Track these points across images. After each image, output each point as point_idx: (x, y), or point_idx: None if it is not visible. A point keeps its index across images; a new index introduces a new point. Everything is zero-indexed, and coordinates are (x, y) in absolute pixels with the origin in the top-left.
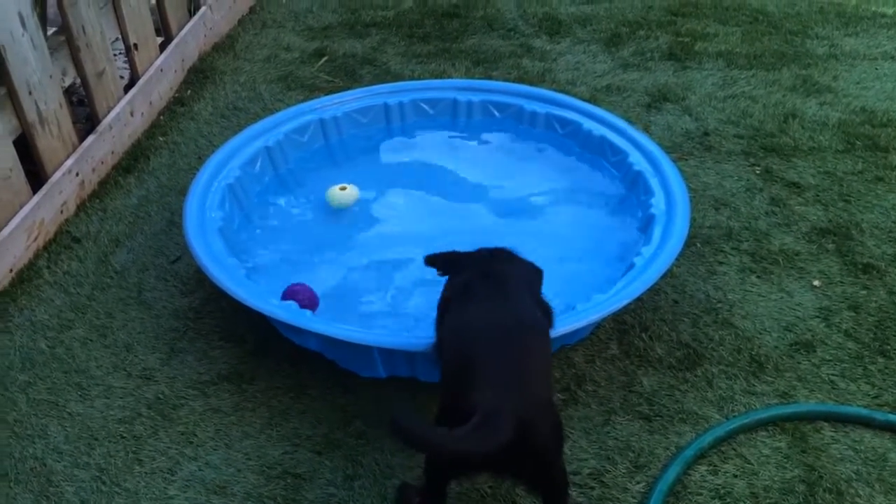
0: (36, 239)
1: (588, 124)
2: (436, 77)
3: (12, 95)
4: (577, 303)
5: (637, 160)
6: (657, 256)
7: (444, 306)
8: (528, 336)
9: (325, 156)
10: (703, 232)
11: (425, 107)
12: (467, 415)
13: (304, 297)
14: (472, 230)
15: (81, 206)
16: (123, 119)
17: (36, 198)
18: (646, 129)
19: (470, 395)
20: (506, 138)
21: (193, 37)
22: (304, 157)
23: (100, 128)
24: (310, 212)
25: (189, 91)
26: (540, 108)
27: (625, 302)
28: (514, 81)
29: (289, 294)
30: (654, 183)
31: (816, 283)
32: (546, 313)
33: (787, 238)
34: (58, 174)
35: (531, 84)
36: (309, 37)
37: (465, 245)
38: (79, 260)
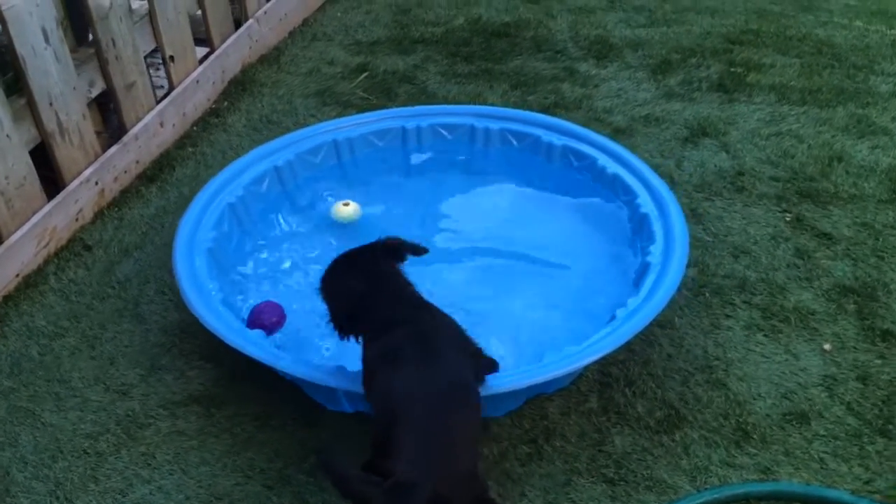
0: (46, 245)
1: (603, 160)
2: (472, 99)
3: (32, 106)
4: (547, 353)
5: (645, 202)
6: (638, 311)
7: (372, 366)
8: (456, 404)
9: (337, 176)
10: (714, 281)
11: (443, 132)
12: (389, 473)
13: (269, 316)
14: (465, 267)
15: (99, 214)
16: (152, 130)
17: (49, 206)
18: (677, 165)
19: (390, 460)
20: (520, 170)
21: (237, 49)
22: (315, 176)
23: (125, 138)
24: (311, 227)
25: (226, 103)
26: (557, 140)
27: (589, 360)
28: (550, 107)
29: (255, 314)
30: (657, 228)
31: (827, 346)
32: (477, 359)
33: (804, 294)
34: (75, 183)
35: (566, 111)
36: (355, 51)
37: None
38: (86, 268)
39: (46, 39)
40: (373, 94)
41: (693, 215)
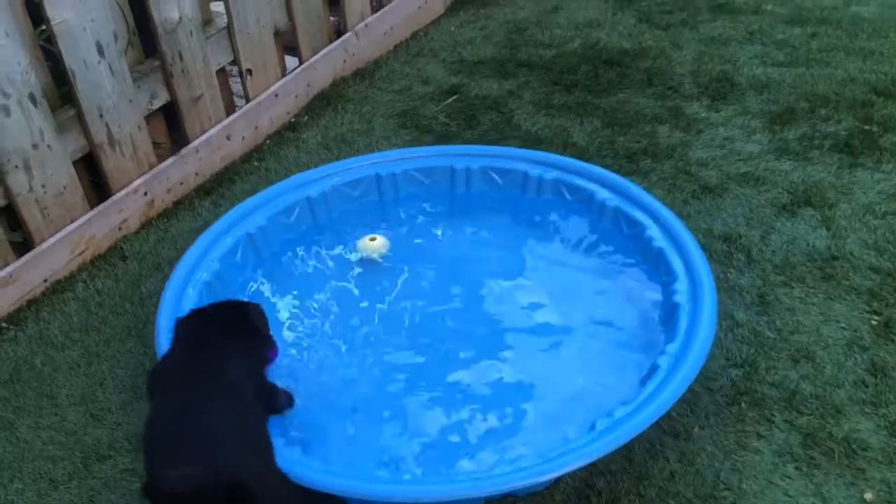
0: (82, 253)
1: (653, 230)
2: (556, 135)
3: (81, 118)
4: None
5: (682, 288)
6: (617, 427)
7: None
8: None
9: (376, 212)
10: (758, 388)
11: (495, 176)
12: None
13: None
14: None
15: (145, 225)
16: (216, 143)
17: (89, 214)
18: (762, 238)
19: None
20: (576, 226)
21: (328, 62)
22: (351, 210)
23: (184, 150)
24: (332, 264)
25: (306, 117)
26: (610, 200)
27: (534, 479)
28: (636, 152)
29: None
30: (682, 323)
31: (869, 496)
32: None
33: (863, 423)
34: (122, 193)
35: (653, 159)
36: (454, 70)
37: None
38: (115, 279)
39: (101, 53)
40: (455, 120)
41: (760, 302)
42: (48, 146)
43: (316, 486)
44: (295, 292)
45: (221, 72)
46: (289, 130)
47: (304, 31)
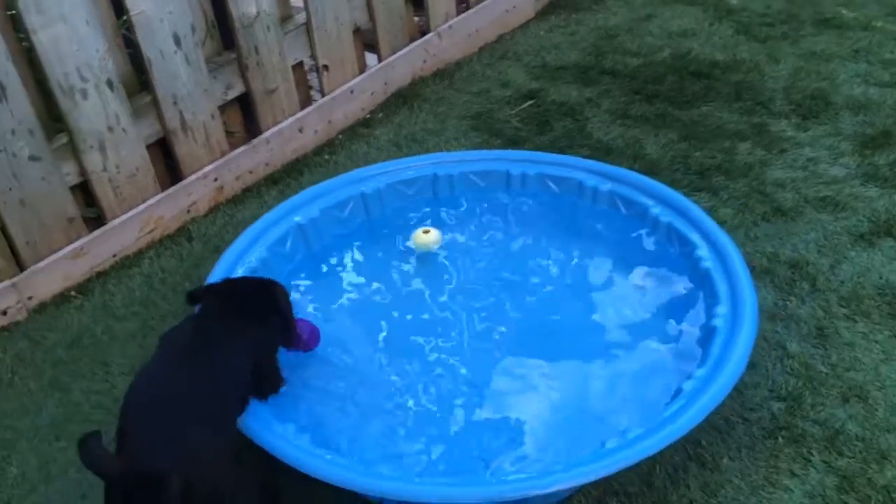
0: (151, 232)
1: (703, 251)
2: (628, 146)
3: (156, 104)
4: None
5: (723, 313)
6: (632, 444)
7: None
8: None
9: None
10: (800, 425)
11: (550, 183)
12: None
13: (302, 334)
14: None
15: (214, 209)
16: (288, 134)
17: (159, 196)
18: (831, 267)
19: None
20: (626, 239)
21: (408, 61)
22: (404, 207)
23: (255, 140)
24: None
25: (381, 114)
26: (663, 216)
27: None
28: (710, 168)
29: None
30: (715, 347)
31: None
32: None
33: None
34: (192, 177)
35: (727, 177)
36: (535, 75)
37: None
38: (179, 259)
39: (178, 44)
40: (527, 125)
41: (818, 335)
42: (123, 129)
43: (345, 484)
44: (342, 284)
45: (299, 66)
46: (362, 126)
47: (384, 30)
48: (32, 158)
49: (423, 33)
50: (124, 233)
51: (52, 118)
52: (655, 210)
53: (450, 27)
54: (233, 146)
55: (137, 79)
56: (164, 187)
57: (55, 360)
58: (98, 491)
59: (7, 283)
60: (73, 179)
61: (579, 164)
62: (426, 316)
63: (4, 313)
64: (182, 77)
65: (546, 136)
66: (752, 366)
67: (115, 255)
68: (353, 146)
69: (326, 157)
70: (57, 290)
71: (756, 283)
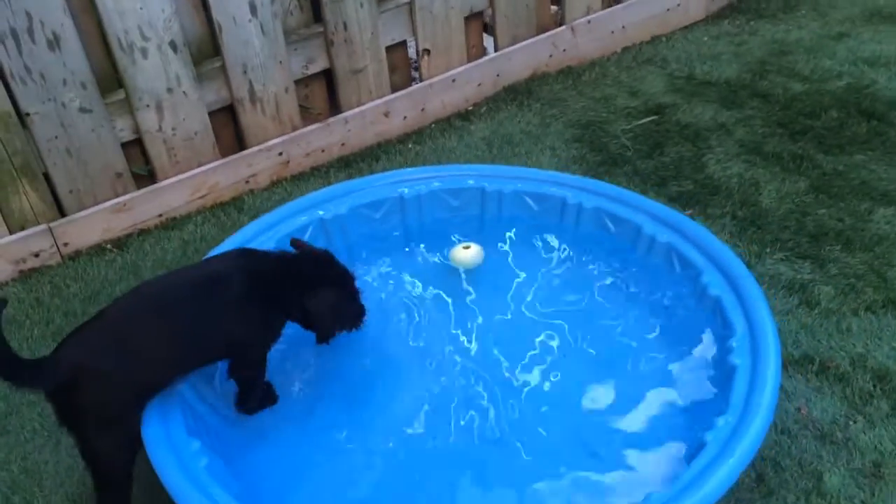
0: (203, 197)
1: (728, 300)
2: (741, 186)
3: (224, 71)
4: None
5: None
6: None
7: None
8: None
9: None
10: None
11: (608, 223)
12: None
13: None
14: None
15: (275, 183)
16: (371, 117)
17: (217, 162)
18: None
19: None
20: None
21: (530, 54)
22: (445, 219)
23: (331, 119)
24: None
25: (485, 108)
26: (713, 287)
27: None
28: (831, 233)
29: None
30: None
31: None
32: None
33: None
34: (255, 148)
35: (844, 247)
36: (675, 87)
37: None
38: (221, 229)
39: (253, 12)
40: (636, 145)
41: (873, 474)
42: (183, 92)
43: None
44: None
45: (400, 46)
46: (459, 118)
47: (504, 17)
48: (83, 110)
49: (561, 24)
50: (174, 194)
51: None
52: (707, 277)
53: (588, 22)
54: (306, 122)
55: (212, 43)
56: (224, 154)
57: (68, 310)
58: None
59: (44, 226)
60: (127, 135)
61: (644, 204)
62: (421, 344)
63: (37, 255)
64: (255, 46)
65: (651, 161)
66: (768, 493)
67: (160, 215)
68: (442, 138)
69: (410, 145)
70: (94, 241)
71: (825, 387)
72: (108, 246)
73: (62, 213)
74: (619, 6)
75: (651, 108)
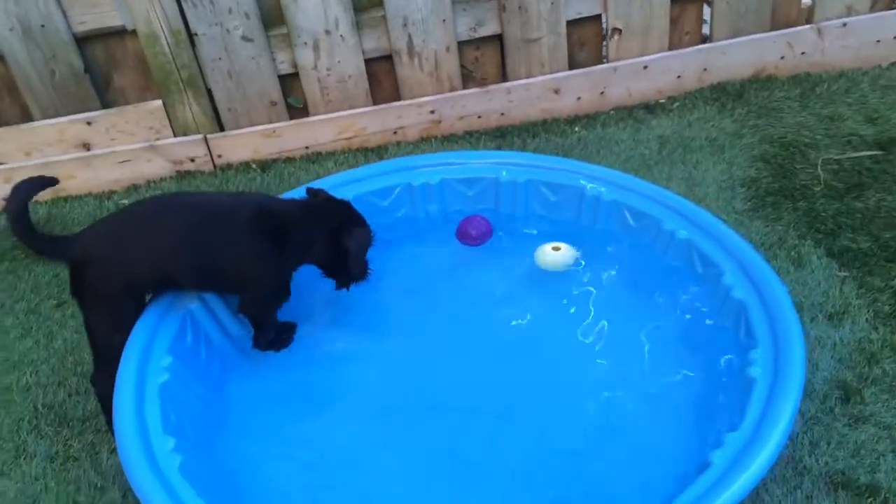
0: (349, 139)
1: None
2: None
3: (385, 21)
4: None
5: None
6: None
7: None
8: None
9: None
10: None
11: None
12: None
13: (476, 228)
14: None
15: (425, 139)
16: (538, 91)
17: (367, 108)
18: None
19: None
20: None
21: (755, 51)
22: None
23: (491, 86)
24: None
25: (678, 104)
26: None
27: None
28: None
29: (461, 225)
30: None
31: None
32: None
33: None
34: (407, 102)
35: None
36: None
37: None
38: None
39: None
40: (830, 181)
41: None
42: (341, 36)
43: None
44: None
45: (592, 22)
46: (644, 110)
47: (725, 3)
48: (245, 38)
49: (807, 22)
50: (322, 130)
51: None
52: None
53: (844, 25)
54: (472, 86)
55: None
56: (376, 102)
57: None
58: None
59: (202, 136)
60: (286, 69)
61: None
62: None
63: (192, 160)
64: (417, 1)
65: (837, 204)
66: None
67: (306, 147)
68: (615, 128)
69: (577, 129)
70: (243, 158)
71: None
72: (254, 165)
73: (220, 128)
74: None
75: (882, 141)
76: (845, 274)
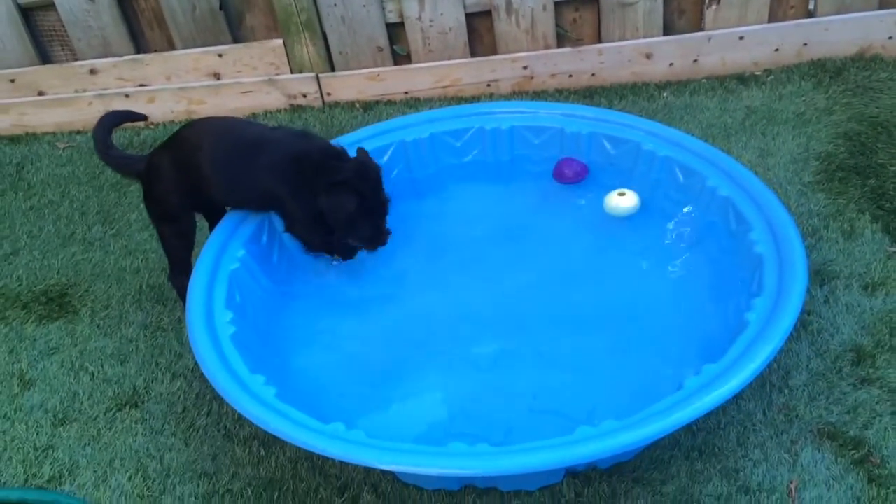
0: (445, 87)
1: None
2: None
3: None
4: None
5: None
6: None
7: None
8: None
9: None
10: None
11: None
12: None
13: (572, 167)
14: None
15: (516, 93)
16: (629, 55)
17: (464, 60)
18: None
19: None
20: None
21: (858, 29)
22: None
23: (583, 47)
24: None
25: (772, 77)
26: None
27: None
28: None
29: (558, 165)
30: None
31: None
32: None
33: None
34: (502, 56)
35: None
36: None
37: None
38: None
39: None
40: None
41: None
42: None
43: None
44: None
45: None
46: (737, 81)
47: None
48: None
49: None
50: (421, 77)
51: None
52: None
53: None
54: (567, 45)
55: None
56: (474, 55)
57: None
58: None
59: (315, 75)
60: (393, 17)
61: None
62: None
63: (305, 96)
64: None
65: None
66: None
67: (406, 92)
68: (703, 97)
69: (665, 94)
70: (349, 97)
71: None
72: (357, 105)
73: (331, 69)
74: None
75: None
76: (894, 249)
